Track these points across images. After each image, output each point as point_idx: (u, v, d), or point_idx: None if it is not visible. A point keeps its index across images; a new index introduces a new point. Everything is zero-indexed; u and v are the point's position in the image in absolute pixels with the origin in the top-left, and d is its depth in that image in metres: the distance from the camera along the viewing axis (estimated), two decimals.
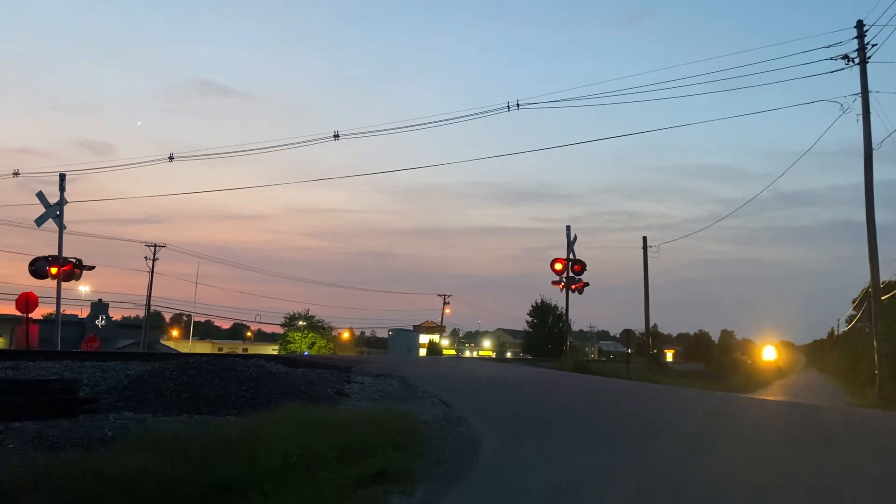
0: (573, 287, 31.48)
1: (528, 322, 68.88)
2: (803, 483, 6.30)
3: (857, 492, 6.05)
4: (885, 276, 28.12)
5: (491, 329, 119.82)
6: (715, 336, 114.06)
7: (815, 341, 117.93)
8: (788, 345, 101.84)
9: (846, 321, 74.76)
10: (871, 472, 6.92)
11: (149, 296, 59.64)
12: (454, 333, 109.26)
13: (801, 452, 8.10)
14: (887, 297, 29.24)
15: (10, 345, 44.64)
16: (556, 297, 59.62)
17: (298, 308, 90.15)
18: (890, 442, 9.32)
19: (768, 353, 61.90)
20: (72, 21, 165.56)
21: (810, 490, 6.03)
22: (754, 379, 52.38)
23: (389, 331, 67.59)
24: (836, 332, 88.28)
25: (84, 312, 60.83)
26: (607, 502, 5.63)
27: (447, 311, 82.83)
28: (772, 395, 33.60)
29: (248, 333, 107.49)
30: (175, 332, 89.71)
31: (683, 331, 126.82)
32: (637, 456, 7.58)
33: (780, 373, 68.79)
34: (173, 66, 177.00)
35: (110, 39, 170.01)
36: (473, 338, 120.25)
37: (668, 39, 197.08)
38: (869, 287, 25.20)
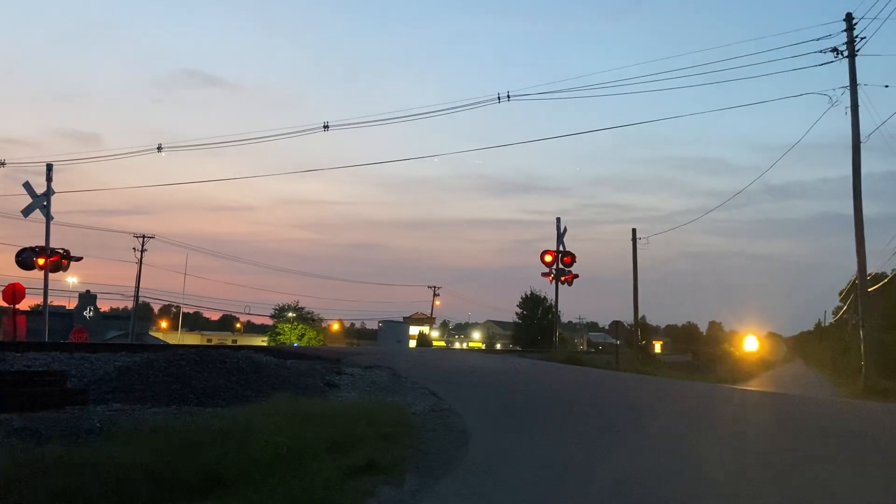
0: (563, 279, 31.57)
1: (517, 314, 68.98)
2: (782, 472, 6.36)
3: (837, 482, 6.11)
4: (871, 268, 28.38)
5: (480, 321, 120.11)
6: (703, 327, 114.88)
7: (803, 333, 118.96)
8: (776, 336, 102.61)
9: (833, 313, 75.46)
10: (852, 462, 6.99)
11: (137, 287, 59.45)
12: (444, 325, 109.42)
13: (781, 442, 8.17)
14: (874, 289, 29.48)
15: None
16: (545, 288, 59.72)
17: (288, 299, 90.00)
18: (872, 432, 9.42)
19: (749, 343, 62.07)
20: (58, 10, 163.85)
21: (788, 478, 6.09)
22: (741, 370, 52.75)
23: (379, 322, 67.67)
24: (822, 324, 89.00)
25: (72, 303, 60.58)
26: (594, 491, 5.66)
27: (437, 302, 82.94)
28: (758, 385, 33.86)
29: (238, 325, 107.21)
30: (164, 324, 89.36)
31: (672, 322, 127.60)
32: (623, 445, 7.64)
33: (767, 364, 69.35)
34: (161, 55, 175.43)
35: (97, 29, 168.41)
36: (463, 329, 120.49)
37: (658, 31, 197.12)
38: (856, 279, 25.40)
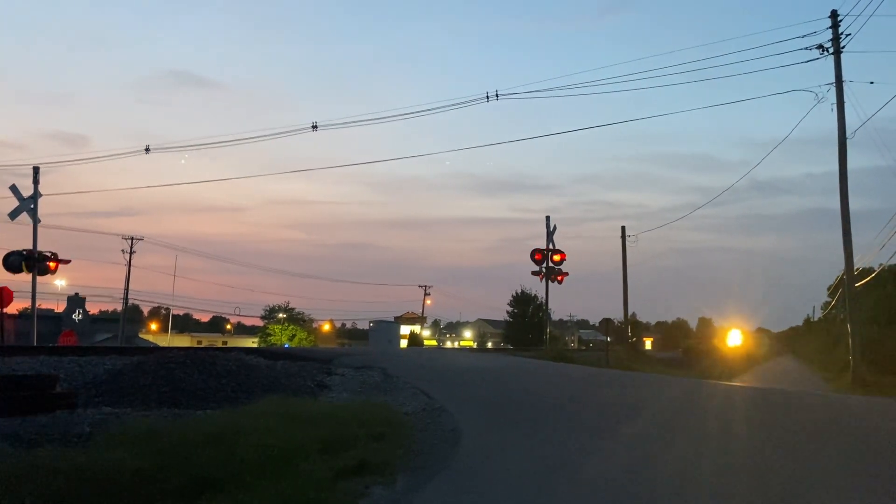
0: (553, 277, 31.66)
1: (508, 312, 69.21)
2: (769, 465, 6.41)
3: (826, 476, 6.17)
4: (859, 263, 28.60)
5: (472, 319, 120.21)
6: (693, 324, 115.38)
7: (792, 328, 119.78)
8: (765, 332, 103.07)
9: (822, 308, 76.05)
10: (834, 453, 7.05)
11: (126, 289, 59.18)
12: (435, 324, 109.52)
13: (767, 436, 8.23)
14: (861, 284, 29.71)
15: None
16: (536, 287, 59.93)
17: (278, 300, 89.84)
18: (858, 426, 9.49)
19: (734, 338, 62.08)
20: (44, 10, 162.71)
21: (776, 472, 6.14)
22: (731, 366, 53.04)
23: (370, 322, 67.63)
24: (811, 319, 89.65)
25: (60, 306, 60.22)
26: (585, 488, 5.69)
27: (428, 301, 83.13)
28: (747, 381, 34.05)
29: (228, 326, 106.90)
30: (154, 326, 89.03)
31: (662, 319, 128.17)
32: (613, 441, 7.67)
33: (756, 359, 69.70)
34: (148, 56, 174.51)
35: (83, 29, 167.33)
36: (454, 328, 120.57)
37: (644, 29, 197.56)
38: (843, 274, 25.60)
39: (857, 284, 24.85)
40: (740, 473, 6.13)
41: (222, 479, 5.39)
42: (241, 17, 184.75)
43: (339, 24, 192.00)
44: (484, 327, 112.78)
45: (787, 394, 14.89)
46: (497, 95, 27.17)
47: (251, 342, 66.97)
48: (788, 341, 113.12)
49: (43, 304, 50.08)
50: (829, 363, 43.72)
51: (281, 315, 68.48)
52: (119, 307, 64.08)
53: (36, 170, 29.35)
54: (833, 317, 60.64)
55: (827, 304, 68.85)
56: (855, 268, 24.56)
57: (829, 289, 64.26)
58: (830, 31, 22.57)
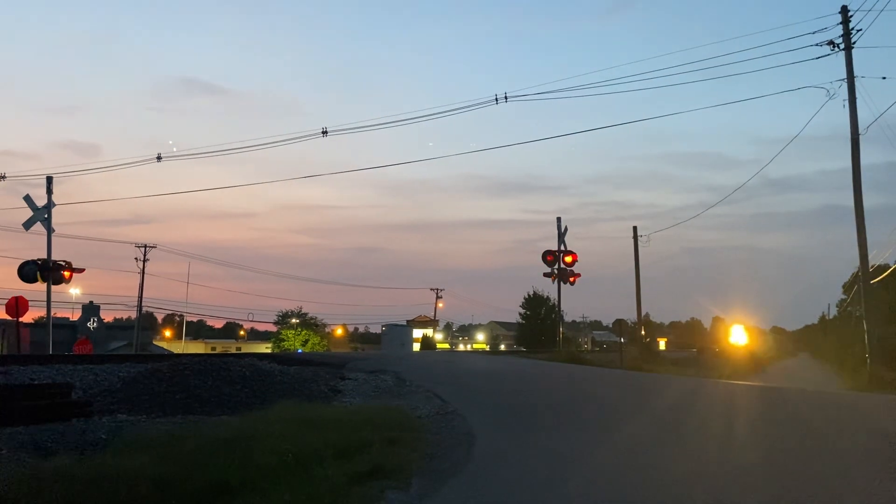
0: (565, 278, 31.59)
1: (520, 314, 69.06)
2: (771, 460, 6.36)
3: (833, 474, 6.12)
4: (874, 260, 28.36)
5: (484, 322, 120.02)
6: (707, 323, 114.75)
7: (807, 326, 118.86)
8: (780, 330, 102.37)
9: (837, 306, 75.45)
10: (835, 451, 6.99)
11: (140, 297, 59.47)
12: (447, 327, 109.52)
13: (775, 433, 8.17)
14: (877, 281, 29.44)
15: (1, 350, 44.35)
16: (548, 288, 59.77)
17: (291, 305, 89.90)
18: (860, 424, 9.40)
19: (736, 335, 61.19)
20: (53, 21, 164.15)
21: (780, 467, 6.10)
22: (745, 365, 52.65)
23: (383, 326, 67.66)
24: (827, 317, 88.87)
25: (75, 315, 60.63)
26: (599, 491, 5.66)
27: (440, 305, 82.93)
28: (761, 380, 33.81)
29: (241, 332, 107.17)
30: (168, 333, 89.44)
31: (675, 319, 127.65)
32: (625, 441, 7.66)
33: (771, 357, 69.20)
34: (157, 64, 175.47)
35: (94, 40, 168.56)
36: (467, 331, 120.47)
37: (654, 27, 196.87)
38: (858, 271, 25.37)
39: (872, 281, 24.61)
40: (744, 467, 6.10)
41: (238, 484, 5.41)
42: (251, 24, 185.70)
43: (347, 30, 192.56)
44: (496, 329, 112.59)
45: (802, 392, 14.77)
46: (506, 97, 27.16)
47: (265, 348, 67.11)
48: (804, 339, 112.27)
49: (58, 313, 50.49)
50: (846, 361, 43.32)
51: (294, 320, 68.63)
52: (133, 315, 64.53)
53: (49, 180, 29.63)
54: (849, 314, 60.13)
55: (842, 301, 68.31)
56: (870, 264, 24.32)
57: (844, 286, 63.79)
58: (841, 26, 22.40)
